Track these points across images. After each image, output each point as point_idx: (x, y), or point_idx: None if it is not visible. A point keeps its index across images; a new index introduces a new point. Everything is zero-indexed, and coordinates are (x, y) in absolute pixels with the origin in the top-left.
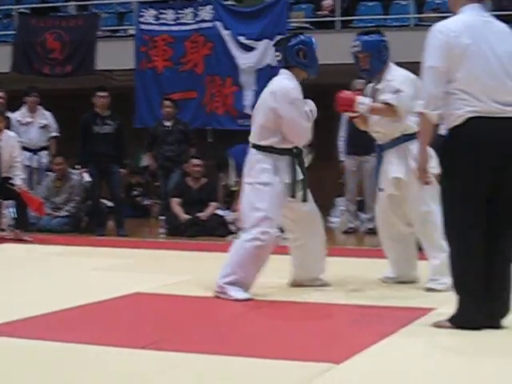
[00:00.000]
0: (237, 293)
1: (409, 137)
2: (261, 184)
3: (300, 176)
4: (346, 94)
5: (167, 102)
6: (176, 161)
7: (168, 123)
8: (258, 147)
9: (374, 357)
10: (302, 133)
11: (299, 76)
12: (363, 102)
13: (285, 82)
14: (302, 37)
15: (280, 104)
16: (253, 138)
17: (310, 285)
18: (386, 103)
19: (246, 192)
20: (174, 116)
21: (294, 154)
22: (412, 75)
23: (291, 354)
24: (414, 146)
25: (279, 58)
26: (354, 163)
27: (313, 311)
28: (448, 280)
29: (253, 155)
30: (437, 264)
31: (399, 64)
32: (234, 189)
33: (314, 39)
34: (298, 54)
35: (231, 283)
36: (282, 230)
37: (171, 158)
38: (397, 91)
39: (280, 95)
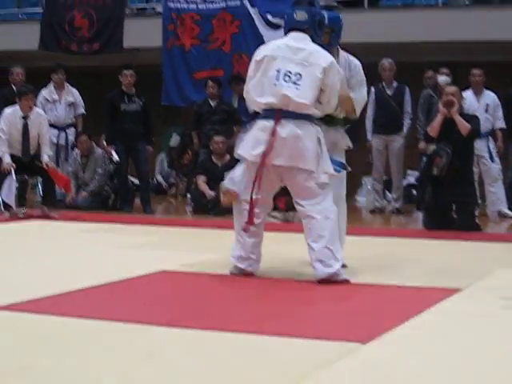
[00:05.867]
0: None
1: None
2: None
3: None
4: None
5: (210, 83)
6: None
7: (213, 103)
8: None
9: (401, 337)
10: None
11: None
12: None
13: None
14: None
15: None
16: None
17: None
18: None
19: None
20: (219, 95)
21: None
22: None
23: (317, 332)
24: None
25: None
26: (381, 142)
27: (338, 290)
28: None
29: None
30: None
31: (427, 42)
32: None
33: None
34: None
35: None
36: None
37: None
38: None
39: None
